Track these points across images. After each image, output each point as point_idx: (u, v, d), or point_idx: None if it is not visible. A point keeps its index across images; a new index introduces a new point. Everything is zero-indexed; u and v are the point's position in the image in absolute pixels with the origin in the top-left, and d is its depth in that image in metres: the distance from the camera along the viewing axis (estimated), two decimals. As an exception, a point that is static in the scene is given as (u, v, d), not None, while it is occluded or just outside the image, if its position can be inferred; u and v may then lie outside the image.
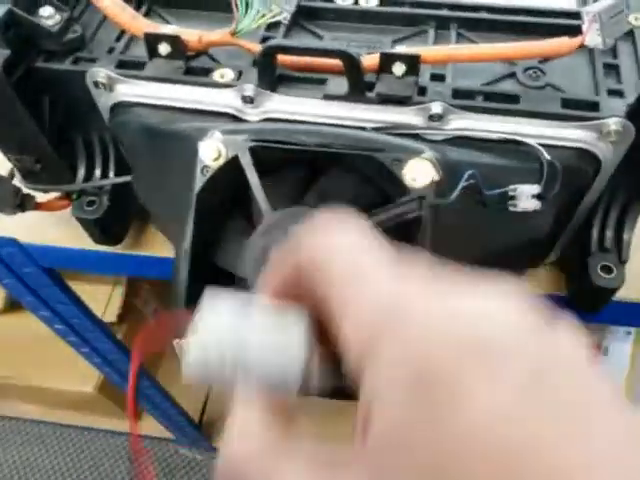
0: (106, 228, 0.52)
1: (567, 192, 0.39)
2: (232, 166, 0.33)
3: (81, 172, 0.50)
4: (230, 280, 0.35)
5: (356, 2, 0.47)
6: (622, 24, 0.39)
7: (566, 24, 0.44)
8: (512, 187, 0.36)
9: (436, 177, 0.31)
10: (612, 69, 0.42)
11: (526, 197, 0.36)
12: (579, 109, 0.38)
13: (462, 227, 0.35)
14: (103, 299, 1.20)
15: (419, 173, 0.31)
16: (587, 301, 0.46)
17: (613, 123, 0.37)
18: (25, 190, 0.52)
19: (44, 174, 0.51)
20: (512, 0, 0.47)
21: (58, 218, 0.56)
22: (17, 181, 0.52)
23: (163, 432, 1.30)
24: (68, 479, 1.30)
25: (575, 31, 0.42)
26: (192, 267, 0.34)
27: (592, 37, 0.38)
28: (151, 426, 1.29)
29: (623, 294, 0.45)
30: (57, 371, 1.18)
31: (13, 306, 1.19)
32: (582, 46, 0.39)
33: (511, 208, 0.36)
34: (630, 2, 0.42)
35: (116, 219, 0.52)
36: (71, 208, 0.51)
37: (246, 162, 0.32)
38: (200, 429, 1.30)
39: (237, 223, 0.35)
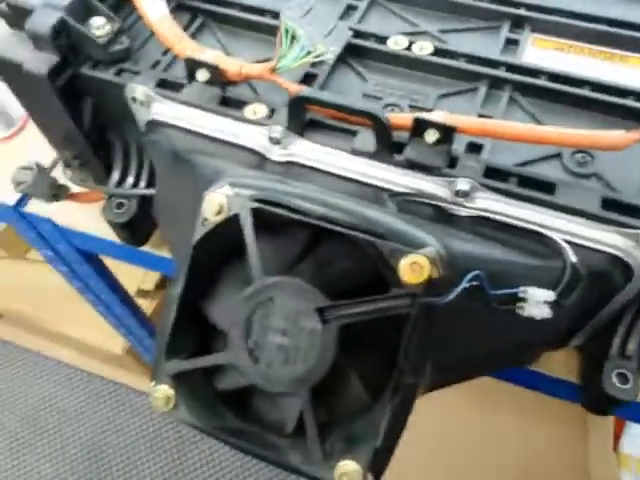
0: (132, 231, 0.53)
1: (589, 297, 0.36)
2: (233, 223, 0.33)
3: (115, 175, 0.51)
4: (216, 333, 0.35)
5: (409, 47, 0.45)
6: (690, 125, 0.35)
7: (633, 106, 0.40)
8: (522, 289, 0.33)
9: (434, 274, 0.30)
10: (671, 168, 0.38)
11: (536, 302, 0.33)
12: (619, 212, 0.35)
13: (462, 323, 0.33)
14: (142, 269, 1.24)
15: (416, 269, 0.29)
16: (596, 402, 0.43)
17: (655, 237, 0.33)
18: (61, 181, 0.54)
19: (83, 169, 0.53)
20: (583, 68, 0.43)
21: (95, 207, 0.58)
22: (59, 171, 0.54)
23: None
24: (87, 424, 1.38)
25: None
26: (181, 312, 0.34)
27: (651, 134, 0.34)
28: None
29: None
30: (91, 326, 1.23)
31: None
32: (637, 141, 0.35)
33: (518, 311, 0.33)
34: None
35: (142, 223, 0.53)
36: (101, 208, 0.52)
37: (245, 222, 0.32)
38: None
39: (231, 277, 0.35)
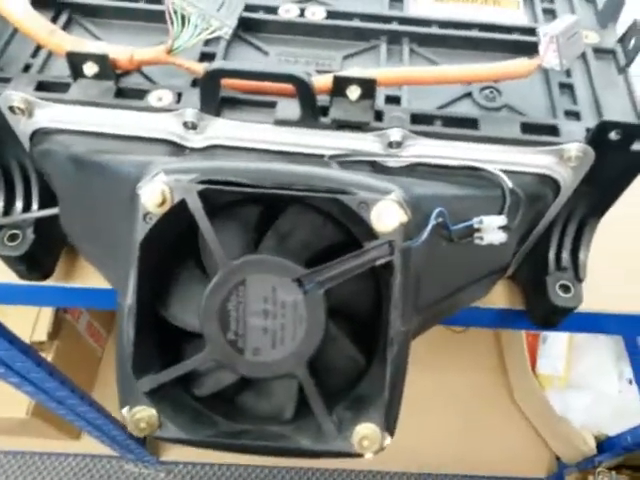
0: (32, 263, 0.47)
1: (527, 217, 0.38)
2: (179, 209, 0.30)
3: (-1, 204, 0.44)
4: (179, 334, 0.32)
5: (302, 14, 0.44)
6: (579, 45, 0.38)
7: (520, 40, 0.43)
8: (477, 219, 0.34)
9: (404, 219, 0.29)
10: (567, 88, 0.41)
11: (492, 229, 0.34)
12: (538, 133, 0.37)
13: (430, 263, 0.33)
14: (32, 316, 1.11)
15: (387, 216, 0.29)
16: (545, 317, 0.46)
17: (574, 149, 0.36)
18: None
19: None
20: (465, 14, 0.46)
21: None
22: None
23: (105, 449, 1.23)
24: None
25: (529, 48, 0.42)
26: (138, 323, 0.30)
27: (549, 58, 0.37)
28: (93, 444, 1.22)
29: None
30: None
31: None
32: (540, 66, 0.37)
33: (477, 241, 0.34)
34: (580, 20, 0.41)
35: (43, 253, 0.47)
36: (-11, 244, 0.45)
37: (195, 207, 0.29)
38: (144, 444, 1.24)
39: (187, 273, 0.32)
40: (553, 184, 0.38)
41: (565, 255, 0.43)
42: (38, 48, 0.41)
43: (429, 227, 0.30)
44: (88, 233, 0.38)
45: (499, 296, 0.50)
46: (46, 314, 1.12)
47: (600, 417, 1.04)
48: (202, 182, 0.29)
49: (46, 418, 1.13)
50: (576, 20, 0.37)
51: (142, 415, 0.29)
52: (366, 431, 0.29)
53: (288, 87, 0.35)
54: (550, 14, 0.47)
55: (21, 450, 1.27)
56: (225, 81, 0.36)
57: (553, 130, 0.37)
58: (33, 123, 0.38)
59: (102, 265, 0.38)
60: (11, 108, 0.38)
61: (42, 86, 0.38)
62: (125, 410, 0.29)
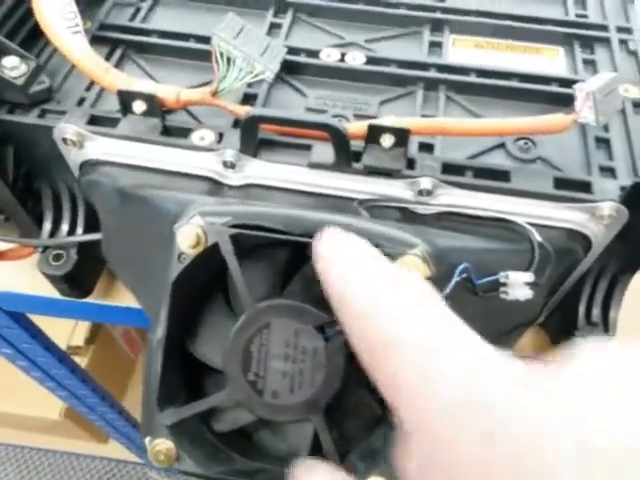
0: (74, 282, 0.49)
1: (556, 272, 0.38)
2: (212, 251, 0.31)
3: (47, 226, 0.47)
4: (206, 370, 0.33)
5: (342, 59, 0.45)
6: (616, 101, 0.38)
7: (558, 92, 0.43)
8: (503, 274, 0.34)
9: (427, 273, 0.30)
10: (603, 143, 0.41)
11: (519, 285, 0.34)
12: (572, 189, 0.37)
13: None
14: (70, 321, 1.16)
15: (411, 270, 0.29)
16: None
17: (607, 207, 0.36)
18: (-15, 241, 0.49)
19: (7, 224, 0.48)
20: (504, 62, 0.46)
21: (25, 262, 0.53)
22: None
23: (131, 455, 1.26)
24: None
25: (567, 100, 0.42)
26: (166, 360, 0.31)
27: (586, 114, 0.37)
28: (119, 450, 1.25)
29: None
30: (23, 396, 1.13)
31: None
32: (576, 122, 0.38)
33: (503, 296, 0.34)
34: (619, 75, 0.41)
35: (85, 273, 0.50)
36: (37, 262, 0.48)
37: (227, 250, 0.30)
38: (169, 454, 1.26)
39: (216, 309, 0.33)
40: (584, 240, 0.38)
41: (595, 311, 0.43)
42: (92, 82, 0.44)
43: (452, 283, 0.30)
44: (126, 262, 0.40)
45: (527, 343, 0.49)
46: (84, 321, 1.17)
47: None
48: (235, 226, 0.31)
49: (77, 421, 1.18)
50: (614, 77, 0.37)
51: (161, 447, 0.30)
52: (377, 485, 0.29)
53: (323, 134, 0.37)
54: (591, 65, 0.47)
55: (52, 449, 1.31)
56: (263, 125, 0.38)
57: (587, 187, 0.37)
58: (83, 154, 0.41)
59: (137, 293, 0.40)
60: (64, 140, 0.40)
61: (93, 120, 0.41)
62: (147, 440, 0.31)
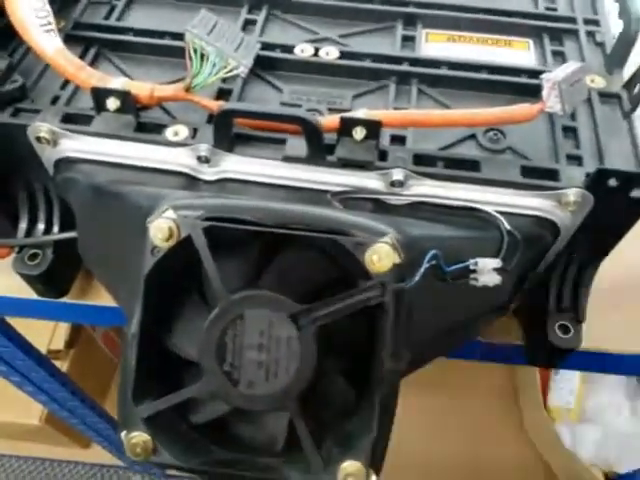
0: (50, 282, 0.49)
1: (526, 258, 0.39)
2: (185, 244, 0.31)
3: (23, 225, 0.47)
4: (179, 362, 0.33)
5: (316, 54, 0.46)
6: (582, 91, 0.39)
7: (527, 83, 0.44)
8: (473, 261, 0.35)
9: (397, 260, 0.30)
10: (571, 132, 0.42)
11: (487, 271, 0.35)
12: (539, 177, 0.38)
13: (423, 302, 0.34)
14: (50, 324, 1.14)
15: (380, 258, 0.30)
16: (544, 357, 0.47)
17: (572, 194, 0.37)
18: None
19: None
20: (476, 55, 0.47)
21: (1, 264, 0.53)
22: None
23: (113, 459, 1.25)
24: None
25: (536, 91, 0.42)
26: (141, 351, 0.31)
27: (552, 104, 0.38)
28: (102, 454, 1.24)
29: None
30: (2, 403, 1.11)
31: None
32: (542, 112, 0.38)
33: (472, 282, 0.35)
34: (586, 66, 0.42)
35: (61, 272, 0.49)
36: (12, 262, 0.48)
37: (200, 243, 0.31)
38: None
39: (190, 303, 0.33)
40: (552, 227, 0.39)
41: (566, 296, 0.44)
42: (67, 81, 0.44)
43: (421, 270, 0.31)
44: (101, 259, 0.40)
45: (498, 330, 0.50)
46: (64, 323, 1.15)
47: (610, 453, 1.02)
48: (207, 219, 0.31)
49: (58, 427, 1.16)
50: (580, 67, 0.38)
51: (138, 440, 0.30)
52: (351, 468, 0.29)
53: (297, 127, 0.37)
54: (560, 56, 0.48)
55: (33, 456, 1.29)
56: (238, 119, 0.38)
57: (553, 174, 0.38)
58: (58, 152, 0.41)
59: (112, 289, 0.40)
60: (38, 138, 0.40)
61: (68, 118, 0.41)
62: (123, 434, 0.31)
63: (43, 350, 1.08)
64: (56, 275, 0.49)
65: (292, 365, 0.30)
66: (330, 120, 0.38)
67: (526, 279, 0.43)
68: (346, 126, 0.37)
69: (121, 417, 0.31)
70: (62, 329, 1.16)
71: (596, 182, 0.36)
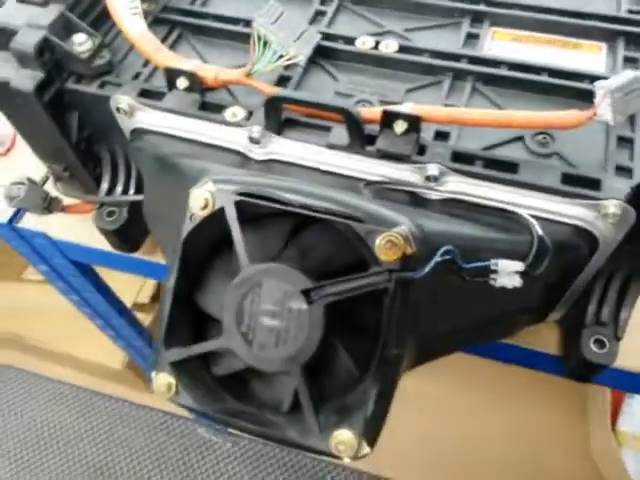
0: (124, 237, 0.55)
1: (560, 267, 0.39)
2: (219, 215, 0.35)
3: (104, 185, 0.53)
4: (210, 320, 0.37)
5: (376, 47, 0.47)
6: (637, 101, 0.37)
7: (588, 89, 0.43)
8: (493, 261, 0.35)
9: (409, 251, 0.32)
10: (626, 142, 0.40)
11: (507, 273, 0.35)
12: (579, 186, 0.37)
13: (441, 297, 0.36)
14: (139, 281, 1.25)
15: (391, 246, 0.32)
16: (576, 369, 0.45)
17: (612, 206, 0.36)
18: (53, 194, 0.55)
19: (73, 181, 0.55)
20: (541, 56, 0.46)
21: (87, 218, 0.60)
22: (50, 184, 0.56)
23: (183, 411, 1.36)
24: (91, 442, 1.38)
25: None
26: (175, 303, 0.36)
27: (603, 112, 0.37)
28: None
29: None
30: (89, 343, 1.24)
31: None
32: (591, 119, 0.37)
33: (491, 282, 0.35)
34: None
35: (134, 230, 0.55)
36: (93, 217, 0.54)
37: (230, 215, 0.34)
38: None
39: (219, 268, 0.37)
40: (589, 237, 0.38)
41: (606, 310, 0.43)
42: (148, 60, 0.49)
43: (432, 263, 0.32)
44: (158, 220, 0.45)
45: (543, 339, 0.50)
46: (153, 280, 1.26)
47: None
48: (241, 194, 0.34)
49: (137, 373, 1.28)
50: (636, 76, 0.37)
51: (163, 381, 0.35)
52: (343, 437, 0.32)
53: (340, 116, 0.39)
54: (632, 62, 0.45)
55: (111, 394, 1.42)
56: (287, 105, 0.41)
57: (595, 184, 0.37)
58: (133, 122, 0.46)
59: (163, 248, 0.45)
60: (118, 109, 0.45)
61: (144, 93, 0.46)
62: (153, 374, 0.35)
63: (130, 302, 1.19)
64: (129, 232, 0.55)
65: (300, 335, 0.33)
66: (371, 112, 0.39)
67: (564, 289, 0.43)
68: (388, 119, 0.39)
69: (154, 359, 0.36)
70: (150, 285, 1.26)
71: (638, 195, 0.35)
